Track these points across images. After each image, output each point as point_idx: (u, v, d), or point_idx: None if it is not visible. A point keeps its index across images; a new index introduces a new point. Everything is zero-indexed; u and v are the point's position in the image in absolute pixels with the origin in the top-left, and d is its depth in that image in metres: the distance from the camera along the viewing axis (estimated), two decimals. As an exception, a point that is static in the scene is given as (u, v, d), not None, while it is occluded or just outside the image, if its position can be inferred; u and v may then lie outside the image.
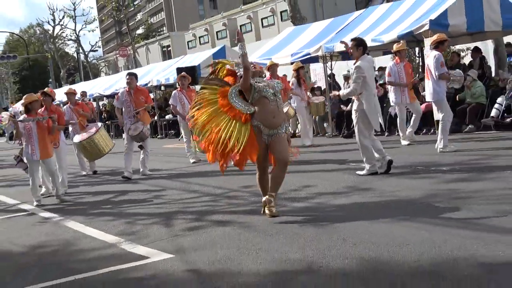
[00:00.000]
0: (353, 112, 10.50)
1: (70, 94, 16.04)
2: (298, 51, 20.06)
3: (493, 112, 16.10)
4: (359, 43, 10.32)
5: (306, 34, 21.49)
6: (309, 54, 19.30)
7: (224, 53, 26.40)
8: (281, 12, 53.07)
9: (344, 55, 20.05)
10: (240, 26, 60.39)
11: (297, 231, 6.79)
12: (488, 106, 16.45)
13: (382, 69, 20.80)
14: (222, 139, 7.67)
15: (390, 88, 15.42)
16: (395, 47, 14.93)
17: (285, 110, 15.28)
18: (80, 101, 17.21)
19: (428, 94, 12.60)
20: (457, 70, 13.87)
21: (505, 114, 16.02)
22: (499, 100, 16.18)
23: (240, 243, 6.59)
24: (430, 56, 12.49)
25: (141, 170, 13.76)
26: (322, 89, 20.63)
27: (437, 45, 12.33)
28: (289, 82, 17.11)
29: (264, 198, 7.86)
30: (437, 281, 4.76)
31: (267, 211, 7.78)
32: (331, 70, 20.21)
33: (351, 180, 10.08)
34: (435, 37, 12.51)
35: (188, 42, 69.63)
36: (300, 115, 16.74)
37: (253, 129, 7.70)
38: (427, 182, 9.14)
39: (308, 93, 18.35)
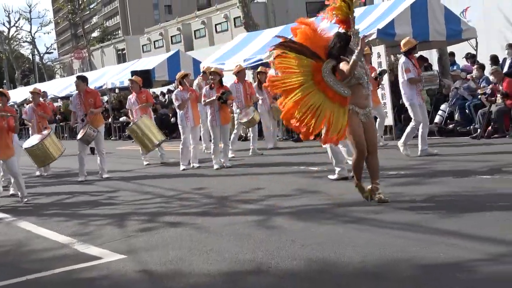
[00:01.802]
0: None
1: (35, 94, 15.95)
2: (251, 56, 20.27)
3: (437, 119, 16.58)
4: None
5: (259, 40, 21.71)
6: (261, 60, 19.51)
7: (179, 58, 26.51)
8: (234, 19, 53.26)
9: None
10: (194, 31, 60.40)
11: (248, 233, 6.96)
12: (432, 112, 16.91)
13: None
14: (324, 122, 7.75)
15: None
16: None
17: (251, 115, 15.44)
18: (42, 102, 17.05)
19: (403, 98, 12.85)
20: (430, 71, 13.98)
21: (448, 121, 16.54)
22: (442, 107, 16.70)
23: (192, 244, 6.72)
24: (399, 62, 12.77)
25: (99, 172, 13.74)
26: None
27: (409, 51, 12.52)
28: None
29: (369, 187, 8.06)
30: (379, 282, 4.94)
31: (376, 198, 7.94)
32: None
33: (300, 183, 10.29)
34: (403, 41, 12.72)
35: (143, 46, 69.25)
36: (262, 119, 16.84)
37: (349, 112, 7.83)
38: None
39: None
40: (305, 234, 6.62)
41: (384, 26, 15.77)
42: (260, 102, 16.73)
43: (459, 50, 20.46)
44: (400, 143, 12.29)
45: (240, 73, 15.84)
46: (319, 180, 10.50)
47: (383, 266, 5.28)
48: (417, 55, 20.51)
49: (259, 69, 17.39)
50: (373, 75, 14.30)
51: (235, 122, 16.02)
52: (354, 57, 7.56)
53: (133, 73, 22.75)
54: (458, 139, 15.17)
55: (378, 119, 14.72)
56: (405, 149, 12.21)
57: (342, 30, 7.97)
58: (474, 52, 18.46)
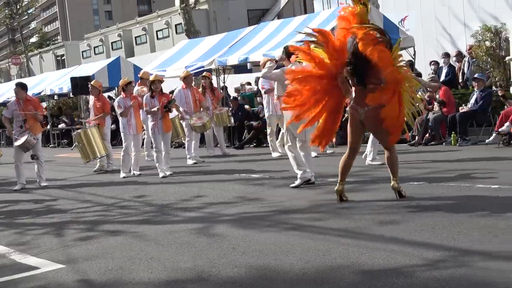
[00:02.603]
0: (284, 120, 10.30)
1: None
2: (192, 63, 20.27)
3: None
4: (285, 51, 10.28)
5: (200, 48, 21.75)
6: (202, 67, 19.55)
7: (119, 64, 26.29)
8: (176, 25, 53.08)
9: (236, 69, 20.48)
10: (135, 37, 60.00)
11: (189, 241, 6.94)
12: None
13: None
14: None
15: (264, 100, 15.61)
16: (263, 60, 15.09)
17: (205, 120, 15.35)
18: None
19: None
20: None
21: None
22: (383, 114, 16.92)
23: (132, 252, 6.67)
24: None
25: (37, 180, 13.46)
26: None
27: None
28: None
29: (393, 183, 8.17)
30: (320, 288, 4.99)
31: (398, 195, 8.13)
32: (224, 83, 20.53)
33: (241, 190, 10.31)
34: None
35: (82, 52, 68.35)
36: None
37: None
38: (313, 192, 9.48)
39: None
40: (246, 242, 6.63)
41: (325, 34, 15.95)
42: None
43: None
44: (369, 160, 12.19)
45: (187, 79, 15.82)
46: (260, 187, 10.55)
47: (324, 272, 5.32)
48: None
49: (204, 74, 17.35)
50: None
51: (185, 130, 15.87)
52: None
53: (73, 79, 22.50)
54: (397, 146, 15.39)
55: None
56: (376, 161, 12.13)
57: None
58: (413, 60, 18.83)
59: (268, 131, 15.60)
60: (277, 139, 15.29)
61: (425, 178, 9.94)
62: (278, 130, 15.56)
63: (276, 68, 10.45)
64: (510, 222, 6.39)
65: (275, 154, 15.26)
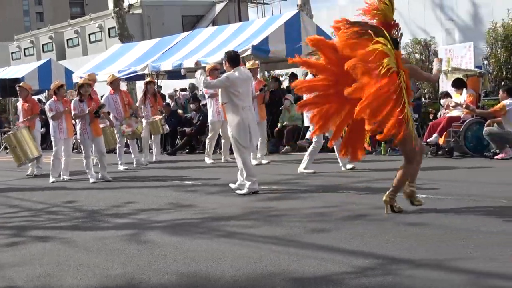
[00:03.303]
0: (228, 127, 10.26)
1: None
2: (125, 68, 20.10)
3: (308, 135, 16.97)
4: (227, 57, 10.15)
5: (134, 52, 21.58)
6: (135, 71, 19.39)
7: (50, 67, 25.86)
8: (109, 29, 52.50)
9: (170, 75, 20.40)
10: (67, 40, 59.07)
11: (119, 247, 6.87)
12: (304, 128, 17.36)
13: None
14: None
15: (208, 104, 15.54)
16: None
17: (134, 127, 15.17)
18: None
19: None
20: None
21: (320, 137, 17.00)
22: (314, 123, 17.14)
23: (60, 259, 6.56)
24: None
25: None
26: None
27: None
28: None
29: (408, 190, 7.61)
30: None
31: (416, 203, 7.64)
32: (157, 88, 20.39)
33: (173, 197, 10.27)
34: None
35: (12, 53, 66.81)
36: (144, 131, 16.36)
37: None
38: (246, 200, 9.52)
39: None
40: (177, 249, 6.60)
41: (259, 43, 16.09)
42: (144, 113, 16.40)
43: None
44: (301, 168, 12.27)
45: (114, 83, 15.56)
46: (193, 194, 10.52)
47: (254, 279, 5.34)
48: (289, 71, 21.15)
49: (148, 79, 17.13)
50: (258, 93, 14.49)
51: (116, 135, 15.67)
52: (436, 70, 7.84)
53: (1, 81, 22.01)
54: (329, 155, 15.60)
55: (259, 139, 14.28)
56: (308, 170, 12.23)
57: None
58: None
59: (210, 135, 15.54)
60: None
61: (354, 187, 10.10)
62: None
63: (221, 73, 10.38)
64: (437, 231, 6.55)
65: (208, 160, 15.22)
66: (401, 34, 7.67)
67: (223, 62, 10.28)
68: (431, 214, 7.39)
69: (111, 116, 14.87)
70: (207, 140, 15.65)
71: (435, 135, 13.59)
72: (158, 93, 17.70)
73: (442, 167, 12.00)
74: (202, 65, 11.25)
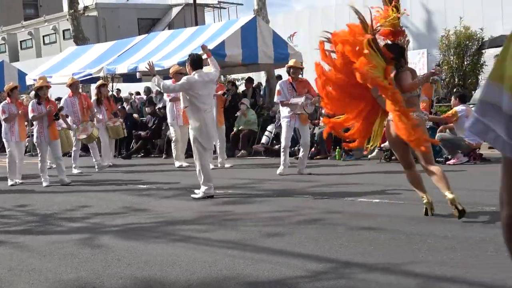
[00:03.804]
0: (190, 131, 10.23)
1: None
2: (80, 71, 19.90)
3: (264, 139, 17.15)
4: (190, 59, 10.13)
5: (89, 55, 21.40)
6: (90, 74, 19.21)
7: (2, 68, 25.48)
8: (63, 31, 51.89)
9: (125, 78, 20.27)
10: (20, 41, 58.22)
11: (72, 252, 6.80)
12: (259, 133, 17.47)
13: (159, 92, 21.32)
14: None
15: (167, 107, 15.56)
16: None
17: (89, 131, 14.99)
18: None
19: None
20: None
21: (274, 141, 17.11)
22: (269, 128, 17.30)
23: (12, 263, 6.47)
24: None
25: None
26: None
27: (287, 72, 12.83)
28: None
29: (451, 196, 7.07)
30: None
31: (455, 211, 7.03)
32: (112, 91, 20.26)
33: (128, 201, 10.21)
34: (291, 63, 12.95)
35: (-37, 54, 65.72)
36: (101, 135, 16.17)
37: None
38: (201, 204, 9.51)
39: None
40: (131, 253, 6.57)
41: (215, 47, 16.08)
42: (100, 117, 16.19)
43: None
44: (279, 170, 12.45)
45: (73, 86, 15.40)
46: (147, 198, 10.48)
47: (209, 284, 5.34)
48: (245, 75, 21.19)
49: (99, 82, 16.94)
50: (219, 93, 14.49)
51: (73, 138, 15.49)
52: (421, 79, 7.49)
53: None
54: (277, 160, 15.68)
55: (218, 143, 14.53)
56: (282, 171, 12.41)
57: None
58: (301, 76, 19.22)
59: (173, 139, 15.47)
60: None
61: (310, 192, 10.16)
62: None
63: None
64: (390, 235, 6.64)
65: (177, 164, 15.13)
66: (408, 41, 7.67)
67: (186, 64, 10.27)
68: (384, 219, 7.47)
69: (68, 119, 14.74)
70: (173, 145, 15.57)
71: (388, 140, 13.74)
72: (110, 96, 17.56)
73: (395, 172, 12.13)
74: (156, 69, 11.21)
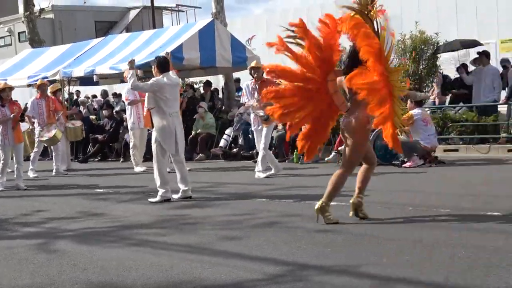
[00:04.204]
0: (153, 133, 10.10)
1: None
2: (36, 73, 19.65)
3: (222, 143, 17.17)
4: (157, 62, 10.09)
5: (45, 57, 21.16)
6: (46, 77, 18.98)
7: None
8: (19, 33, 51.20)
9: (82, 81, 20.09)
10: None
11: (27, 257, 6.70)
12: (217, 136, 17.47)
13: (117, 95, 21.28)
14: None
15: (128, 111, 15.52)
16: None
17: (52, 133, 14.78)
18: None
19: None
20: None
21: (232, 145, 17.15)
22: (227, 131, 17.32)
23: (-36, 270, 6.37)
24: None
25: None
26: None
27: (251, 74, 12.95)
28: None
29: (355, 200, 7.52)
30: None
31: (361, 215, 7.48)
32: (69, 94, 20.09)
33: (84, 205, 10.12)
34: (253, 63, 13.08)
35: None
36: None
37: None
38: (158, 207, 9.48)
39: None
40: (87, 258, 6.50)
41: (173, 50, 16.03)
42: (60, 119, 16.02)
43: (246, 77, 21.31)
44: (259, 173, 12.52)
45: (41, 87, 15.29)
46: (104, 202, 10.40)
47: (166, 288, 5.33)
48: (203, 78, 21.17)
49: (50, 87, 16.71)
50: None
51: (36, 140, 15.29)
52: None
53: None
54: (242, 163, 15.73)
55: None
56: (260, 174, 12.48)
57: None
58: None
59: (131, 144, 15.37)
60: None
61: (267, 195, 10.20)
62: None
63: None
64: (347, 237, 6.69)
65: (137, 169, 15.03)
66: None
67: (152, 67, 10.19)
68: (341, 221, 7.52)
69: (35, 122, 14.63)
70: (131, 151, 15.47)
71: (345, 143, 13.87)
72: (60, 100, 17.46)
73: (351, 175, 12.25)
74: (114, 72, 11.20)
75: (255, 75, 12.66)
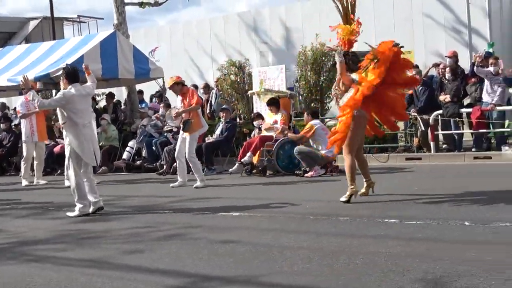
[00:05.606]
0: (66, 147, 9.81)
1: None
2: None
3: (125, 155, 16.99)
4: (65, 73, 9.79)
5: None
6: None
7: None
8: None
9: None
10: None
11: None
12: (121, 149, 17.27)
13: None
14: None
15: (22, 124, 15.18)
16: None
17: None
18: None
19: None
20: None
21: (136, 157, 16.98)
22: (130, 143, 17.16)
23: None
24: None
25: None
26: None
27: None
28: None
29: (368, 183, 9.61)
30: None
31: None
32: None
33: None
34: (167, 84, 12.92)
35: None
36: None
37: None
38: (58, 222, 9.27)
39: None
40: (-18, 275, 6.29)
41: (74, 61, 15.76)
42: None
43: (148, 88, 21.22)
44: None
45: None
46: (1, 217, 10.07)
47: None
48: (106, 90, 20.92)
49: None
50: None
51: None
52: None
53: None
54: (146, 175, 15.60)
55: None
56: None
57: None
58: (161, 91, 19.21)
59: (24, 156, 15.02)
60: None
61: (170, 207, 10.15)
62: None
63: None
64: (249, 247, 6.71)
65: (24, 182, 14.71)
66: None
67: (61, 78, 9.88)
68: (243, 231, 7.58)
69: None
70: (22, 162, 15.12)
71: (249, 154, 13.99)
72: None
73: (255, 185, 12.38)
74: (12, 84, 10.90)
75: (173, 91, 12.83)
